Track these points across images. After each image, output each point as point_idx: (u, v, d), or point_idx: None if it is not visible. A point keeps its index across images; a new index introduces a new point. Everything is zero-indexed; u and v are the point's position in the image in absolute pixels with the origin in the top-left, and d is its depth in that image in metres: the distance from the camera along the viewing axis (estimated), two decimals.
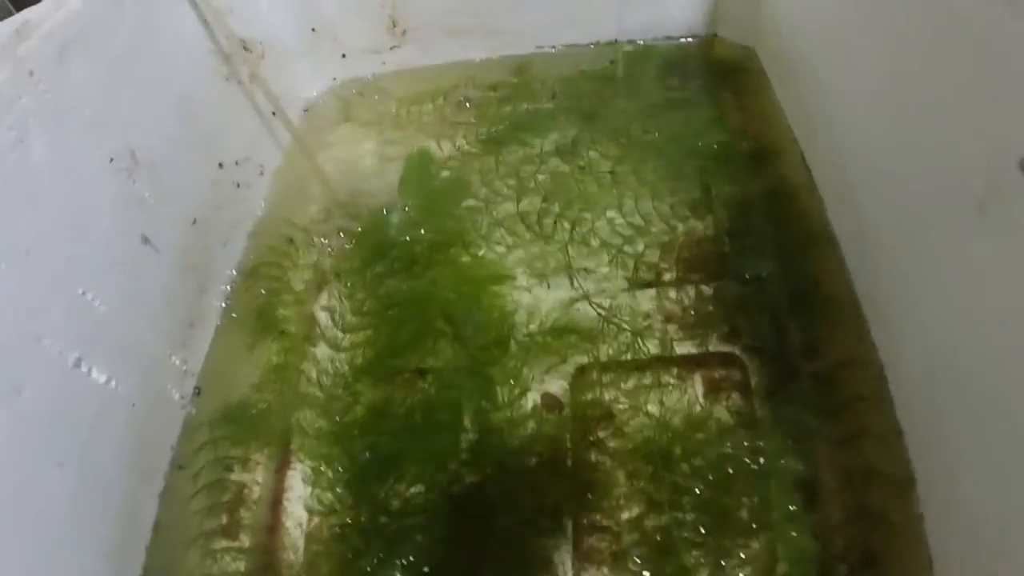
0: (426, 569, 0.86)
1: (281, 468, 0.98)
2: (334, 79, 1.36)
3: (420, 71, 1.33)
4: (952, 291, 0.69)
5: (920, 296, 0.76)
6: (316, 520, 0.93)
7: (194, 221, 1.05)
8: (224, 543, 0.92)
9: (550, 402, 0.93)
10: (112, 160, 0.91)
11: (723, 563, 0.80)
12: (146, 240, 0.95)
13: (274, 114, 1.22)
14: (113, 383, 0.88)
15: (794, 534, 0.80)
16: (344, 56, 1.34)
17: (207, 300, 1.08)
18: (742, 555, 0.80)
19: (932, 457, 0.76)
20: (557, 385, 0.94)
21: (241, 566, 0.90)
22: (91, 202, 0.87)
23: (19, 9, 0.83)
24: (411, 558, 0.87)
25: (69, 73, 0.83)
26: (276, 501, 0.96)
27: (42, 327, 0.79)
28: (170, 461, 0.97)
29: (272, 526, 0.94)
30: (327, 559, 0.89)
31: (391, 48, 1.32)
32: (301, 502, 0.94)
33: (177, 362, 1.00)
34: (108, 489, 0.87)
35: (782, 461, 0.85)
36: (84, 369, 0.84)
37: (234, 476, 0.97)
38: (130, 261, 0.93)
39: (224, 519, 0.94)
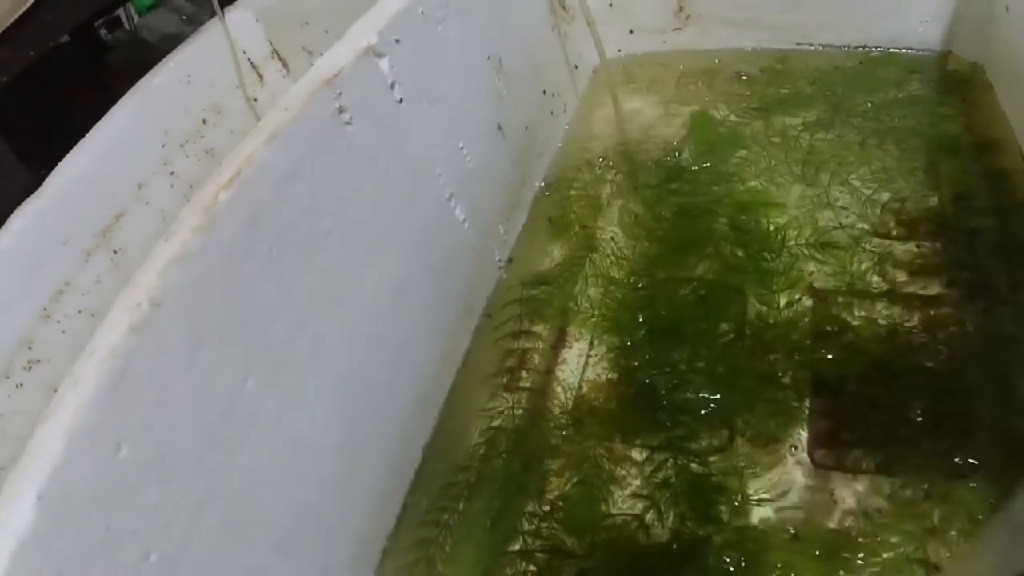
0: (679, 433, 1.04)
1: (560, 339, 1.17)
2: (619, 51, 1.58)
3: (695, 52, 1.54)
4: None
5: None
6: (585, 388, 1.12)
7: (526, 128, 1.30)
8: (504, 393, 1.13)
9: (815, 293, 1.13)
10: (489, 59, 1.17)
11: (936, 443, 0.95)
12: (499, 127, 1.20)
13: (576, 67, 1.48)
14: (466, 225, 1.11)
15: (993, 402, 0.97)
16: (631, 32, 1.56)
17: (525, 192, 1.33)
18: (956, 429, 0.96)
19: None
20: (820, 283, 1.13)
21: (516, 411, 1.11)
22: (475, 83, 1.13)
23: None
24: (667, 424, 1.05)
25: None
26: (551, 369, 1.15)
27: (438, 159, 1.04)
28: (484, 308, 1.20)
29: (545, 388, 1.14)
30: (591, 417, 1.08)
31: (674, 30, 1.53)
32: (574, 373, 1.14)
33: (502, 231, 1.24)
34: (449, 302, 1.11)
35: (991, 366, 1.00)
36: (453, 204, 1.08)
37: (521, 341, 1.19)
38: (488, 139, 1.18)
39: (508, 371, 1.15)
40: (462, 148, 1.08)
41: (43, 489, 0.54)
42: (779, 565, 0.89)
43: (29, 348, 1.17)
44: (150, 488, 0.61)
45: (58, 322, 1.20)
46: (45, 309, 1.19)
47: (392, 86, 0.92)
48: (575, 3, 1.42)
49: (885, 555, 0.88)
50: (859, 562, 0.88)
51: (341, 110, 0.82)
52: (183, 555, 0.65)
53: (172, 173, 1.39)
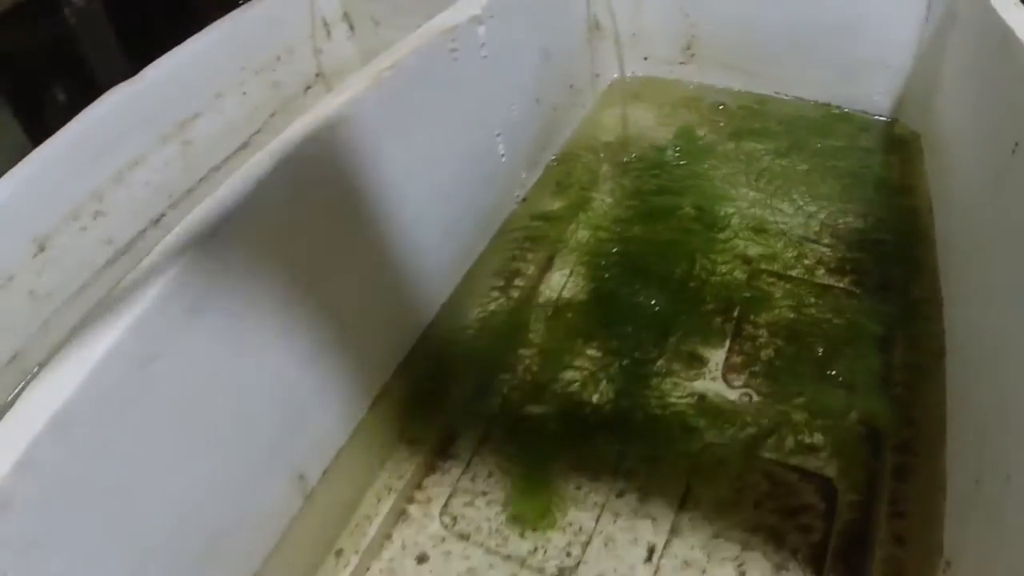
0: (625, 342, 1.41)
1: (548, 264, 1.57)
2: (633, 72, 1.99)
3: (693, 84, 1.95)
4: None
5: (970, 268, 1.25)
6: (560, 304, 1.49)
7: (554, 108, 1.69)
8: (498, 292, 1.52)
9: (748, 262, 1.51)
10: (540, 48, 1.61)
11: (820, 383, 1.27)
12: (537, 101, 1.61)
13: (598, 75, 1.93)
14: (504, 159, 1.53)
15: (870, 360, 1.33)
16: (645, 59, 1.96)
17: (544, 155, 1.72)
18: (837, 375, 1.30)
19: (957, 337, 1.26)
20: (752, 252, 1.52)
21: (506, 307, 1.49)
22: (529, 62, 1.57)
23: None
24: (617, 335, 1.42)
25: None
26: (536, 285, 1.53)
27: (497, 104, 1.48)
28: (500, 226, 1.60)
29: (530, 296, 1.51)
30: (560, 323, 1.46)
31: (679, 63, 1.91)
32: (554, 291, 1.51)
33: (523, 175, 1.64)
34: (478, 212, 1.52)
35: (870, 335, 1.37)
36: (499, 140, 1.50)
37: (520, 259, 1.59)
38: (529, 105, 1.58)
39: (505, 276, 1.55)
40: (512, 104, 1.51)
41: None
42: (678, 423, 1.26)
43: (99, 201, 1.40)
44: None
45: (128, 186, 1.45)
46: (120, 172, 1.43)
47: (482, 46, 1.36)
48: (608, 25, 1.84)
49: (763, 420, 1.23)
50: (747, 421, 1.23)
51: (452, 49, 1.27)
52: None
53: (244, 93, 1.69)
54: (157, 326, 0.80)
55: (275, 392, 1.00)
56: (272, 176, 0.95)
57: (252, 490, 0.99)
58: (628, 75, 2.00)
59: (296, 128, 1.00)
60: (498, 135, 1.49)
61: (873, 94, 1.81)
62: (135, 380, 0.80)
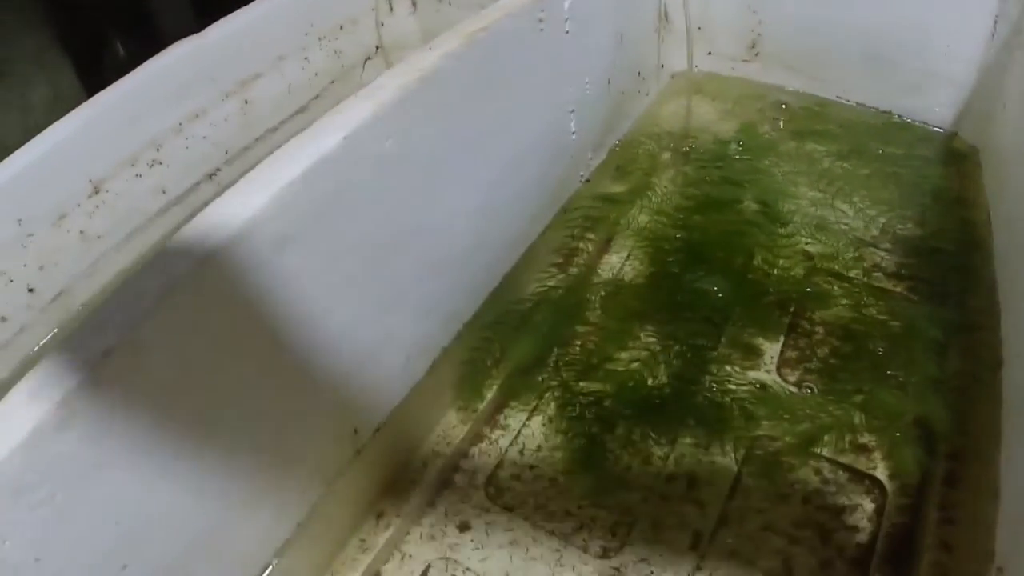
0: (682, 328, 1.38)
1: (607, 246, 1.56)
2: (696, 66, 1.97)
3: (755, 82, 1.92)
4: None
5: None
6: (617, 285, 1.48)
7: (622, 92, 1.69)
8: (557, 269, 1.51)
9: (808, 258, 1.49)
10: (616, 33, 1.59)
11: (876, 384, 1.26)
12: (608, 82, 1.60)
13: (662, 66, 1.91)
14: (574, 136, 1.52)
15: (926, 365, 1.29)
16: (709, 54, 1.94)
17: (609, 138, 1.72)
18: (893, 377, 1.26)
19: (1015, 348, 1.22)
20: (813, 250, 1.49)
21: (564, 283, 1.49)
22: (605, 44, 1.56)
23: None
24: (674, 321, 1.40)
25: None
26: (593, 264, 1.52)
27: (572, 80, 1.48)
28: (564, 204, 1.60)
29: (587, 276, 1.50)
30: (616, 304, 1.45)
31: (743, 60, 1.90)
32: (611, 272, 1.50)
33: (589, 156, 1.63)
34: (546, 186, 1.53)
35: (927, 340, 1.34)
36: (571, 116, 1.49)
37: (580, 238, 1.57)
38: (601, 85, 1.58)
39: (564, 254, 1.55)
40: (586, 82, 1.50)
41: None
42: (735, 412, 1.24)
43: (157, 150, 1.45)
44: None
45: (186, 138, 1.50)
46: (180, 124, 1.48)
47: (566, 21, 1.36)
48: (676, 18, 1.84)
49: (820, 415, 1.21)
50: (802, 416, 1.21)
51: (540, 20, 1.27)
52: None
53: (306, 58, 1.73)
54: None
55: (336, 354, 1.03)
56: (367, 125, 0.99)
57: (306, 438, 1.01)
58: (692, 68, 1.98)
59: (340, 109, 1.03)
60: (571, 112, 1.49)
61: (934, 106, 1.78)
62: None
